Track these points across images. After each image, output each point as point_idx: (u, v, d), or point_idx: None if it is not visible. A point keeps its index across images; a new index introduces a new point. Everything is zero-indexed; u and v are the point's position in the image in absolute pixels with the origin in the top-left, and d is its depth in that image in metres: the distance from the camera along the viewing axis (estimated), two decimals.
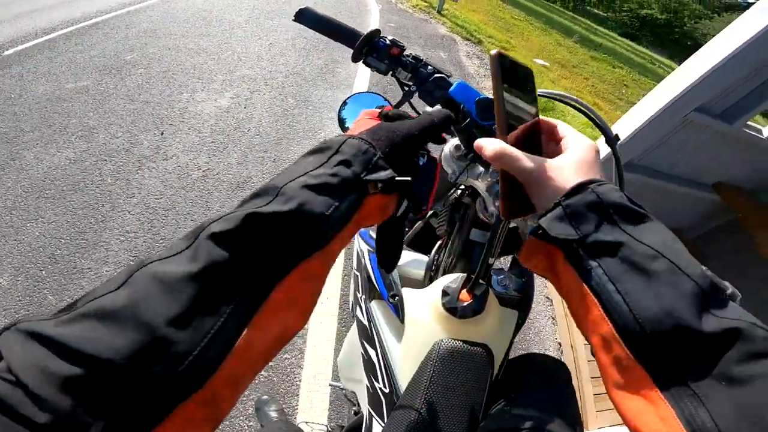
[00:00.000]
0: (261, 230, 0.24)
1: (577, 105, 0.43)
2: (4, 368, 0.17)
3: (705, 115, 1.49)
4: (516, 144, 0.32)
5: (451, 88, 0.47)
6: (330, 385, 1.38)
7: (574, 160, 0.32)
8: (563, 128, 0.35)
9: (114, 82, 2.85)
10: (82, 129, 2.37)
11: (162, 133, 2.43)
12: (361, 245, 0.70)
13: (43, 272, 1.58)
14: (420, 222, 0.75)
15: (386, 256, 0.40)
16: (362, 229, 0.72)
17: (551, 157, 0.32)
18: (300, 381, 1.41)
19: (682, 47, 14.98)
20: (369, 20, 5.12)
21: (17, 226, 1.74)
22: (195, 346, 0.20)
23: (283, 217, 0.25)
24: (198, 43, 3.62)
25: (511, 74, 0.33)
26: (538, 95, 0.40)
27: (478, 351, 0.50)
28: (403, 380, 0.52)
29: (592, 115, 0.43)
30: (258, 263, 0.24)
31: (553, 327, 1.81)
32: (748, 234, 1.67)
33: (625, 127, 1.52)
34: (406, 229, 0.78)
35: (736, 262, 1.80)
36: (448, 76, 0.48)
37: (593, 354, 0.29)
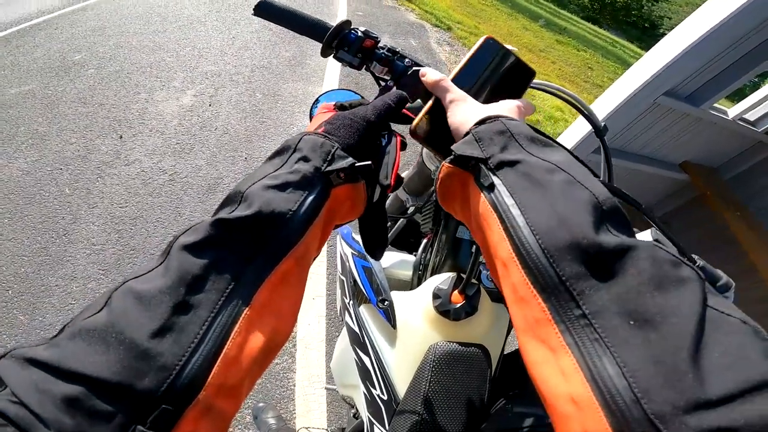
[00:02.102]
0: (229, 235, 0.24)
1: (567, 97, 0.42)
2: (8, 392, 0.18)
3: (673, 98, 1.54)
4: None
5: None
6: (325, 388, 1.36)
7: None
8: None
9: (62, 85, 2.64)
10: (32, 137, 2.19)
11: (121, 137, 2.28)
12: (344, 248, 0.67)
13: (10, 292, 1.48)
14: (403, 220, 0.73)
15: (373, 243, 0.39)
16: (344, 231, 0.69)
17: None
18: (294, 385, 1.38)
19: (639, 30, 15.53)
20: (336, 9, 4.99)
21: None
22: (180, 356, 0.20)
23: (249, 220, 0.25)
24: (154, 39, 3.40)
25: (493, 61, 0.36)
26: (530, 86, 0.39)
27: (475, 351, 0.49)
28: (401, 386, 0.51)
29: (581, 107, 0.42)
30: (232, 269, 0.24)
31: None
32: (712, 210, 1.76)
33: (597, 111, 1.55)
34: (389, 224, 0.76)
35: (701, 236, 1.90)
36: None
37: (499, 291, 0.28)
